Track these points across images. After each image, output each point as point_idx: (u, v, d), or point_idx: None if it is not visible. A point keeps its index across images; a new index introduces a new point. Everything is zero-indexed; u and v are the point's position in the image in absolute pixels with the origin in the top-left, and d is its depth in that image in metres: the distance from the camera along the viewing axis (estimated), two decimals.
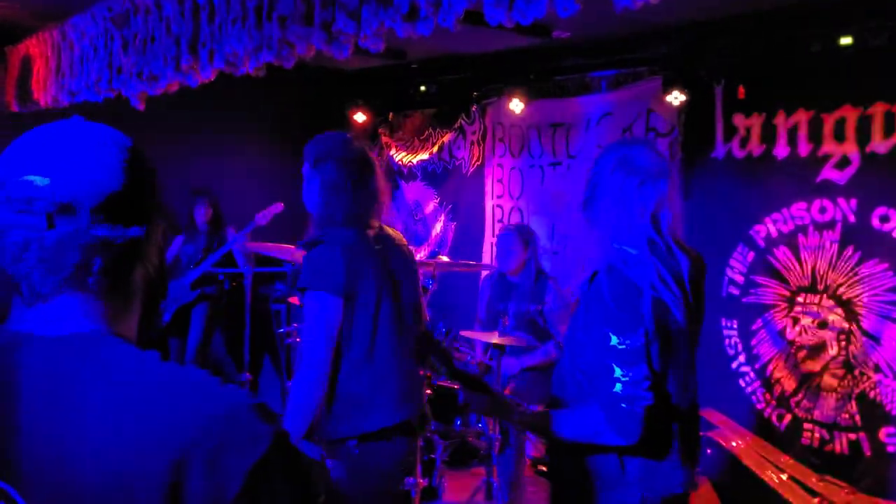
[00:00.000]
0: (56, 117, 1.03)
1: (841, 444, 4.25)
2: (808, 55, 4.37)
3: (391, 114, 6.90)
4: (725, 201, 4.75)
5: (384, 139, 6.97)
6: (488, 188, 6.19)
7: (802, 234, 4.43)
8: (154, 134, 5.23)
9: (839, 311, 4.29)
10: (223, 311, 5.94)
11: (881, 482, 4.11)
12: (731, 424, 4.61)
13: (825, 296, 4.34)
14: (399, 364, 2.60)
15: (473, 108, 6.28)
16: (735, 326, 4.70)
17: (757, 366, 4.61)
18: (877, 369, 4.15)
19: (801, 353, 4.43)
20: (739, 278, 4.69)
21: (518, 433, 4.06)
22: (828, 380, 4.32)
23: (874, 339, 4.16)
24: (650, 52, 5.03)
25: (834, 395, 4.29)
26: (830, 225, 4.32)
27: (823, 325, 4.35)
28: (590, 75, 5.47)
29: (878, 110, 4.12)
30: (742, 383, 4.67)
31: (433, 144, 6.62)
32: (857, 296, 4.22)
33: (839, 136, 4.27)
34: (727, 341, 4.73)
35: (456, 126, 6.42)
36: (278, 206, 5.32)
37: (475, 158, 6.32)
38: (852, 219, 4.23)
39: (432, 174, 6.66)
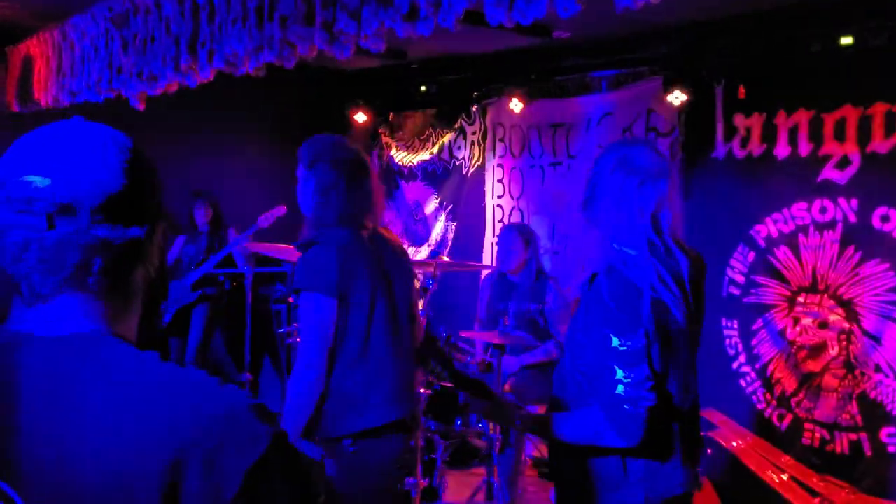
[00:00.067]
0: (56, 117, 1.03)
1: (841, 444, 4.25)
2: (808, 55, 4.37)
3: (391, 114, 6.90)
4: (726, 201, 4.75)
5: (384, 139, 6.97)
6: (488, 188, 6.19)
7: (803, 234, 4.43)
8: (154, 134, 5.23)
9: (840, 311, 4.29)
10: (223, 312, 5.94)
11: (882, 482, 4.11)
12: (731, 424, 4.61)
13: (826, 296, 4.34)
14: (393, 363, 2.63)
15: (474, 108, 6.28)
16: (735, 326, 4.70)
17: (757, 366, 4.61)
18: (877, 369, 4.15)
19: (802, 354, 4.43)
20: (740, 278, 4.69)
21: (518, 433, 4.06)
22: (828, 380, 4.32)
23: (875, 339, 4.16)
24: (650, 52, 5.03)
25: (834, 395, 4.29)
26: (831, 225, 4.31)
27: (824, 325, 4.35)
28: (590, 75, 5.47)
29: (879, 110, 4.12)
30: (742, 383, 4.67)
31: (433, 144, 6.62)
32: (857, 296, 4.22)
33: (840, 136, 4.27)
34: (727, 341, 4.73)
35: (456, 126, 6.42)
36: (281, 209, 5.31)
37: (475, 158, 6.32)
38: (853, 219, 4.23)
39: (432, 174, 6.66)
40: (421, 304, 3.90)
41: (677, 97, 4.79)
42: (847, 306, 4.26)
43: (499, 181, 6.10)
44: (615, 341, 1.88)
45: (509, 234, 4.56)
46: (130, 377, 0.91)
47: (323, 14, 2.90)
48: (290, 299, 5.28)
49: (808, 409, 4.38)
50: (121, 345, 0.96)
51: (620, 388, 1.87)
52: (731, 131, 4.71)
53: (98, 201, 0.94)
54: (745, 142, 4.66)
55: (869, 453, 4.16)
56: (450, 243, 6.51)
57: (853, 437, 4.21)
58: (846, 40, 4.20)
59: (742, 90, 4.62)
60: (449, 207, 6.54)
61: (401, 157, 6.85)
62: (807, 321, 4.42)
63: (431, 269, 4.02)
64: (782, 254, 4.52)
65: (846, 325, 4.26)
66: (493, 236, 5.99)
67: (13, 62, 5.35)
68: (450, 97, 6.37)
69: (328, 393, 2.54)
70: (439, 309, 6.10)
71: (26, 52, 5.13)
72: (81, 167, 0.94)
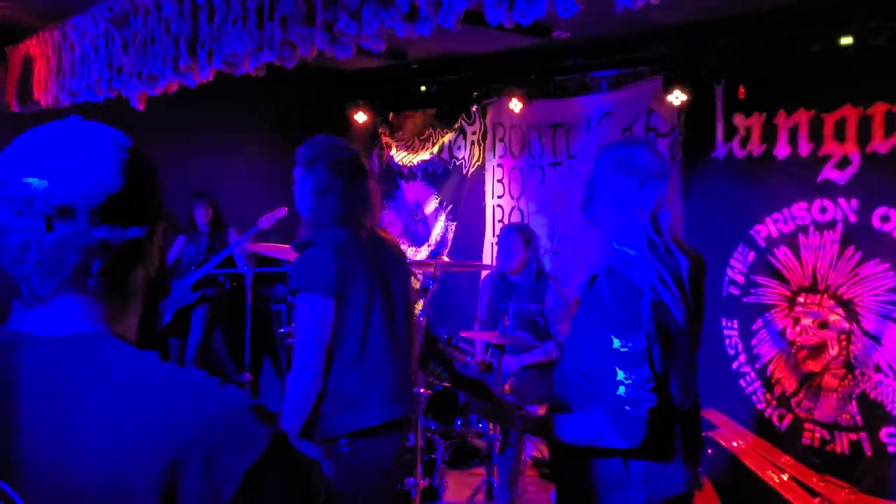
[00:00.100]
0: (56, 117, 1.03)
1: (841, 444, 4.25)
2: (808, 55, 4.37)
3: (391, 114, 6.90)
4: (726, 201, 4.75)
5: (384, 139, 6.97)
6: (488, 188, 6.19)
7: (803, 234, 4.43)
8: (154, 134, 5.23)
9: (840, 311, 4.29)
10: (223, 312, 5.94)
11: (882, 482, 4.11)
12: (731, 424, 4.61)
13: (826, 296, 4.34)
14: (391, 363, 2.64)
15: (473, 108, 6.28)
16: (735, 326, 4.70)
17: (757, 366, 4.61)
18: (877, 369, 4.15)
19: (802, 353, 4.43)
20: (740, 278, 4.69)
21: (518, 434, 4.06)
22: (828, 380, 4.32)
23: (875, 339, 4.16)
24: (650, 52, 5.03)
25: (834, 395, 4.29)
26: (831, 225, 4.31)
27: (824, 325, 4.35)
28: (590, 75, 5.47)
29: (879, 110, 4.12)
30: (742, 383, 4.67)
31: (433, 144, 6.62)
32: (857, 296, 4.22)
33: (839, 136, 4.27)
34: (727, 341, 4.73)
35: (456, 126, 6.42)
36: (282, 211, 5.31)
37: (475, 158, 6.32)
38: (853, 219, 4.23)
39: (432, 174, 6.66)
40: (421, 304, 3.90)
41: (677, 97, 4.79)
42: (847, 306, 4.26)
43: (499, 181, 6.10)
44: (616, 343, 1.88)
45: (509, 234, 4.56)
46: (130, 377, 0.91)
47: (324, 14, 2.90)
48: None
49: (808, 409, 4.38)
50: (121, 345, 0.96)
51: (622, 390, 1.87)
52: (731, 131, 4.71)
53: (96, 203, 0.94)
54: (745, 142, 4.66)
55: (869, 453, 4.16)
56: (450, 243, 6.51)
57: (853, 437, 4.21)
58: (846, 40, 4.20)
59: (742, 90, 4.62)
60: (449, 207, 6.54)
61: (401, 157, 6.85)
62: (807, 321, 4.42)
63: (431, 269, 4.01)
64: (782, 254, 4.52)
65: (846, 325, 4.26)
66: (493, 236, 5.99)
67: (13, 62, 5.35)
68: (450, 97, 6.37)
69: (325, 393, 2.55)
70: (439, 309, 6.10)
71: (26, 52, 5.13)
72: (79, 168, 0.94)
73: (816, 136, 4.35)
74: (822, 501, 4.19)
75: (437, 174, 6.62)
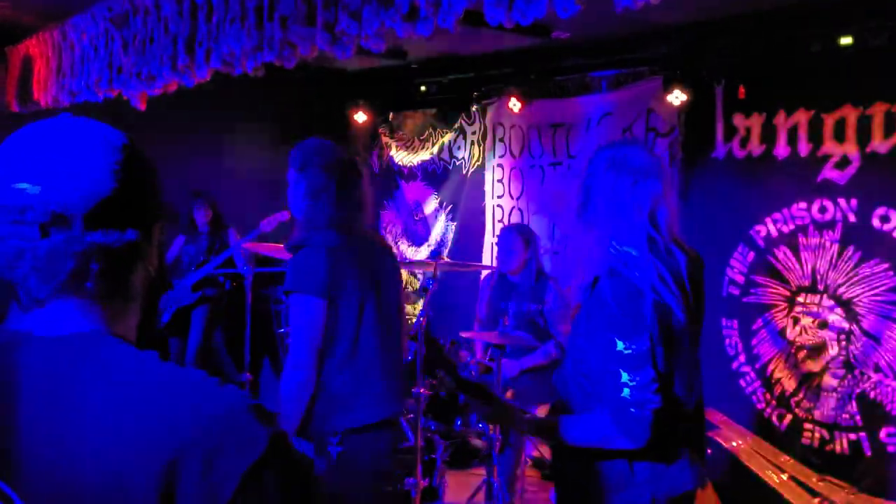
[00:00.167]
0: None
1: (841, 444, 4.25)
2: (808, 55, 4.37)
3: (391, 114, 6.90)
4: (726, 201, 4.75)
5: (384, 139, 6.97)
6: (488, 188, 6.19)
7: (802, 234, 4.43)
8: (154, 134, 5.22)
9: (839, 311, 4.29)
10: (223, 312, 5.94)
11: (882, 482, 4.11)
12: (731, 424, 4.61)
13: (825, 296, 4.34)
14: (382, 363, 2.68)
15: (473, 108, 6.28)
16: (735, 326, 4.70)
17: (757, 366, 4.61)
18: (877, 369, 4.15)
19: (802, 353, 4.43)
20: (740, 278, 4.69)
21: (518, 433, 4.06)
22: (828, 380, 4.32)
23: (874, 339, 4.16)
24: (650, 52, 5.03)
25: (834, 395, 4.29)
26: (831, 225, 4.31)
27: (824, 325, 4.35)
28: (590, 75, 5.47)
29: (879, 110, 4.12)
30: (742, 383, 4.67)
31: (433, 144, 6.62)
32: (857, 296, 4.22)
33: (839, 136, 4.27)
34: (727, 341, 4.73)
35: (456, 126, 6.42)
36: (284, 214, 5.30)
37: (475, 158, 6.32)
38: (852, 219, 4.23)
39: (432, 174, 6.66)
40: (421, 304, 3.90)
41: (677, 97, 4.79)
42: (847, 306, 4.26)
43: (499, 181, 6.10)
44: (620, 345, 1.88)
45: (509, 234, 4.56)
46: (130, 377, 0.91)
47: (324, 14, 2.90)
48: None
49: (808, 408, 4.38)
50: (120, 345, 0.96)
51: (626, 392, 1.87)
52: (730, 131, 4.71)
53: (90, 208, 0.93)
54: (744, 142, 4.66)
55: (869, 453, 4.16)
56: (450, 243, 6.51)
57: (853, 436, 4.21)
58: (846, 40, 4.20)
59: (742, 90, 4.62)
60: (449, 207, 6.54)
61: (401, 157, 6.85)
62: (806, 321, 4.42)
63: (431, 269, 4.01)
64: (782, 254, 4.52)
65: (846, 325, 4.26)
66: (493, 236, 5.99)
67: (13, 62, 5.35)
68: (450, 97, 6.37)
69: (318, 392, 2.59)
70: (439, 309, 6.10)
71: (26, 52, 5.13)
72: (72, 172, 0.93)
73: (816, 136, 4.35)
74: (822, 501, 4.19)
75: (437, 174, 6.62)
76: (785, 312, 4.51)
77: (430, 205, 6.69)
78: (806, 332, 4.41)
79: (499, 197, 6.11)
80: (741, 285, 4.68)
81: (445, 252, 6.43)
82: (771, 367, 4.55)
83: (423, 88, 6.53)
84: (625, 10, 2.28)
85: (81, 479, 0.86)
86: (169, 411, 0.87)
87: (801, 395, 4.42)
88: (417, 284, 6.72)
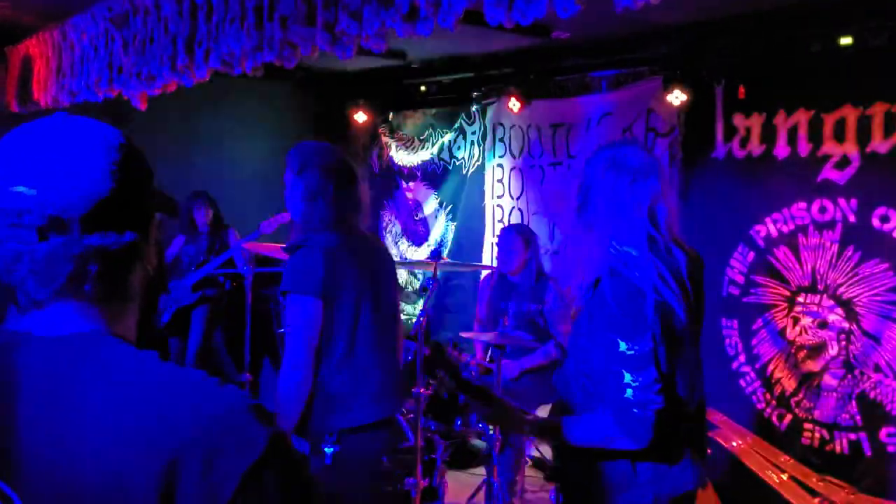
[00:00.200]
0: None
1: (841, 444, 4.25)
2: (808, 55, 4.37)
3: (391, 114, 6.90)
4: (726, 201, 4.75)
5: (384, 139, 6.97)
6: (488, 188, 6.19)
7: (802, 234, 4.43)
8: (154, 134, 5.25)
9: (839, 311, 4.29)
10: (224, 312, 5.94)
11: (882, 482, 4.11)
12: (731, 424, 4.61)
13: (825, 296, 4.34)
14: (379, 363, 2.71)
15: (473, 108, 6.28)
16: (735, 326, 4.70)
17: (757, 366, 4.61)
18: (877, 369, 4.15)
19: (802, 353, 4.43)
20: (739, 278, 4.69)
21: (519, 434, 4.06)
22: (828, 380, 4.32)
23: (874, 339, 4.16)
24: (650, 52, 5.02)
25: (834, 395, 4.29)
26: (830, 225, 4.31)
27: (823, 325, 4.35)
28: (590, 75, 5.47)
29: (878, 110, 4.12)
30: (742, 383, 4.67)
31: (433, 144, 6.62)
32: (857, 296, 4.22)
33: (839, 136, 4.27)
34: (727, 341, 4.73)
35: (456, 126, 6.42)
36: (284, 216, 5.30)
37: (475, 158, 6.32)
38: (852, 219, 4.23)
39: (432, 174, 6.66)
40: (421, 304, 3.90)
41: (677, 97, 4.79)
42: (847, 306, 4.26)
43: (499, 181, 6.10)
44: (622, 346, 1.89)
45: (509, 234, 4.56)
46: (130, 377, 0.91)
47: (324, 15, 2.90)
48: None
49: (808, 408, 4.38)
50: (120, 345, 0.96)
51: (629, 392, 1.87)
52: (730, 131, 4.71)
53: (87, 210, 0.93)
54: (744, 142, 4.65)
55: (869, 453, 4.16)
56: (450, 243, 6.51)
57: (853, 436, 4.22)
58: (846, 40, 4.20)
59: (742, 90, 4.62)
60: (449, 207, 6.54)
61: (401, 157, 6.85)
62: (806, 321, 4.42)
63: (431, 269, 4.01)
64: (782, 254, 4.52)
65: (846, 325, 4.26)
66: (493, 236, 5.99)
67: (13, 62, 5.35)
68: (450, 97, 6.37)
69: (315, 392, 2.61)
70: (439, 309, 6.11)
71: (26, 52, 5.13)
72: (68, 175, 0.92)
73: (816, 137, 4.35)
74: (822, 501, 4.19)
75: (437, 174, 6.62)
76: (785, 312, 4.51)
77: (430, 205, 6.69)
78: (806, 332, 4.41)
79: (499, 197, 6.11)
80: (741, 285, 4.68)
81: (445, 252, 6.43)
82: (771, 367, 4.55)
83: (423, 88, 6.52)
84: (625, 10, 2.28)
85: (81, 479, 0.86)
86: (169, 411, 0.87)
87: (801, 395, 4.42)
88: (417, 284, 6.72)
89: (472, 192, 6.33)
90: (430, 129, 6.63)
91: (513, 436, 4.06)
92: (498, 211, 6.12)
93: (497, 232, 5.79)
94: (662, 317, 1.90)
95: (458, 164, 6.46)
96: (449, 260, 5.76)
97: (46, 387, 0.90)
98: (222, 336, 6.09)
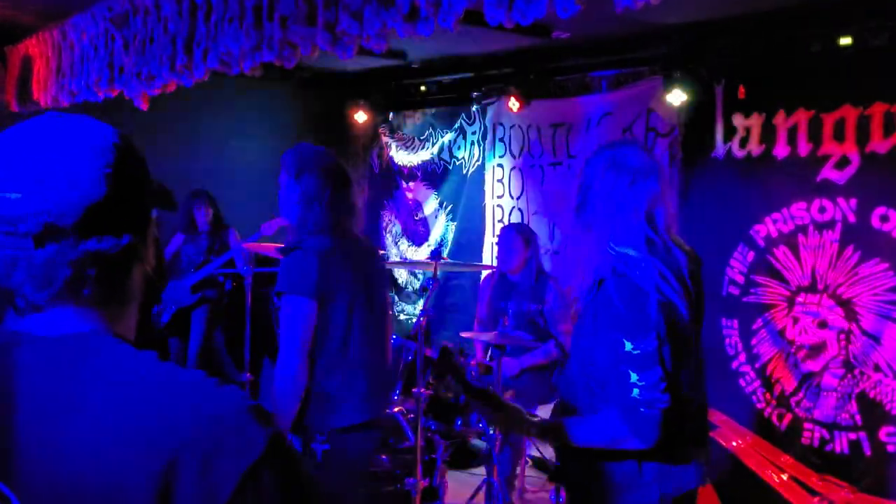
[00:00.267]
0: None
1: (841, 443, 4.25)
2: (808, 55, 4.37)
3: (391, 114, 6.90)
4: (725, 201, 4.75)
5: (384, 139, 6.97)
6: (488, 188, 6.19)
7: (802, 234, 4.43)
8: (154, 134, 5.25)
9: (839, 310, 4.29)
10: (224, 312, 5.94)
11: (881, 482, 4.11)
12: (731, 424, 4.61)
13: (825, 295, 4.34)
14: (371, 364, 2.76)
15: (473, 108, 6.28)
16: (735, 326, 4.70)
17: (757, 365, 4.61)
18: (877, 369, 4.15)
19: (801, 353, 4.43)
20: (739, 278, 4.69)
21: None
22: (828, 379, 4.32)
23: (874, 338, 4.16)
24: (650, 52, 5.02)
25: (834, 394, 4.29)
26: (830, 225, 4.31)
27: (823, 324, 4.35)
28: (590, 75, 5.47)
29: (878, 110, 4.12)
30: (742, 383, 4.67)
31: (433, 144, 6.62)
32: (856, 295, 4.22)
33: (839, 136, 4.27)
34: (727, 341, 4.73)
35: (456, 126, 6.42)
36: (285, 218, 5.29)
37: (475, 158, 6.32)
38: (852, 219, 4.23)
39: (432, 174, 6.66)
40: (421, 303, 3.90)
41: (677, 97, 4.79)
42: (846, 306, 4.26)
43: (499, 181, 6.10)
44: (628, 345, 1.89)
45: (509, 233, 4.56)
46: (129, 377, 0.90)
47: (325, 15, 2.90)
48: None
49: (808, 408, 4.38)
50: (120, 345, 0.96)
51: (636, 392, 1.88)
52: (730, 131, 4.71)
53: (83, 215, 0.92)
54: (744, 142, 4.66)
55: (868, 453, 4.16)
56: (450, 243, 6.51)
57: (853, 436, 4.22)
58: (846, 40, 4.20)
59: (742, 90, 4.62)
60: (449, 207, 6.54)
61: (401, 157, 6.85)
62: (806, 321, 4.42)
63: (431, 269, 4.01)
64: (782, 253, 4.52)
65: (845, 325, 4.26)
66: (493, 236, 5.99)
67: (13, 62, 5.35)
68: (450, 97, 6.37)
69: (308, 392, 2.65)
70: (439, 309, 6.10)
71: (26, 52, 5.13)
72: (63, 179, 0.92)
73: (816, 136, 4.35)
74: (822, 501, 4.19)
75: (437, 174, 6.62)
76: (785, 312, 4.51)
77: (430, 205, 6.69)
78: (806, 332, 4.41)
79: (499, 197, 6.11)
80: (741, 285, 4.68)
81: (445, 252, 6.43)
82: (771, 366, 4.56)
83: (423, 88, 6.53)
84: (625, 10, 2.27)
85: (80, 479, 0.86)
86: (168, 411, 0.87)
87: (800, 395, 4.42)
88: (417, 284, 6.72)
89: (472, 192, 6.33)
90: (430, 129, 6.63)
91: (513, 436, 4.06)
92: (498, 211, 6.12)
93: (497, 232, 5.80)
94: (666, 316, 1.91)
95: (458, 164, 6.46)
96: (449, 260, 5.76)
97: (46, 386, 0.90)
98: (222, 336, 6.09)
